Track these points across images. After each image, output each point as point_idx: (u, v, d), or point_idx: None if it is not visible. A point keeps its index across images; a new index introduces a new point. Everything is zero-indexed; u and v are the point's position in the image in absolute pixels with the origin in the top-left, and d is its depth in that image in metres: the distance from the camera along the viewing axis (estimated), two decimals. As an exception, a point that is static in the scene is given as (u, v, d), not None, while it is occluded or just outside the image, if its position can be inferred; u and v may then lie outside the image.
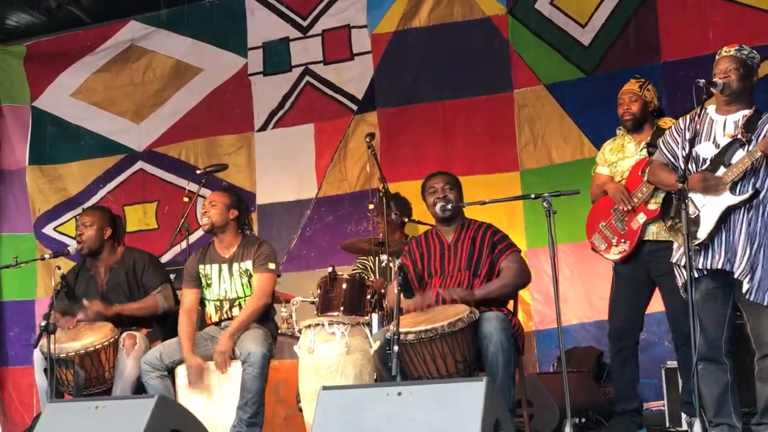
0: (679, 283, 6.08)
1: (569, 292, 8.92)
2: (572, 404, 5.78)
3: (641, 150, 7.02)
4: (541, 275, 9.14)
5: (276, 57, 10.74)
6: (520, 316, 7.42)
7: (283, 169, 10.59)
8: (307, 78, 10.59)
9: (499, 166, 9.69)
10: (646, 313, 7.14)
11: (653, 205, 6.86)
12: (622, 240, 7.00)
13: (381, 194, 7.77)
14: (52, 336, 6.56)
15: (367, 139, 7.92)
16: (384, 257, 7.77)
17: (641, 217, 6.91)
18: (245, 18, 10.88)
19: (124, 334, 7.25)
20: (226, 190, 7.68)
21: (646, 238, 6.93)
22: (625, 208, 6.94)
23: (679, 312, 6.81)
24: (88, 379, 7.06)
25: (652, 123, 7.11)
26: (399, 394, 4.57)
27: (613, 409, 7.26)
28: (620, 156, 7.16)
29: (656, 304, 7.15)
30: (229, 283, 7.31)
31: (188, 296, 7.36)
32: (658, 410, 7.92)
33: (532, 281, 9.02)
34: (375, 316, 7.37)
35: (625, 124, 7.13)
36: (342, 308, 7.03)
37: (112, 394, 7.09)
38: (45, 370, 6.87)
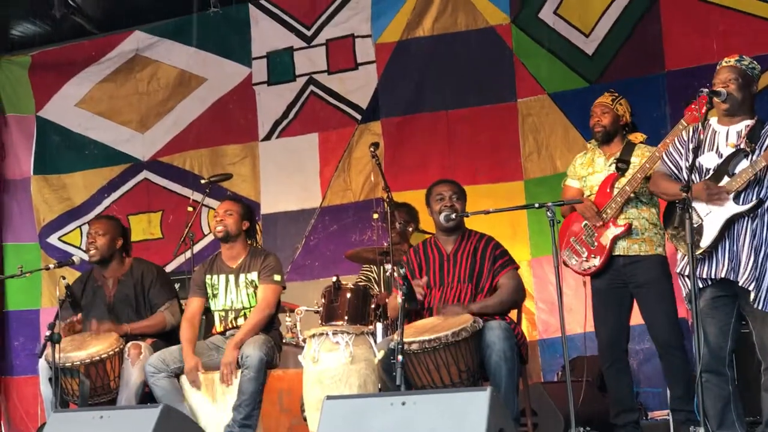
0: (683, 293, 6.09)
1: (573, 301, 8.90)
2: (576, 413, 5.78)
3: (610, 165, 7.09)
4: (546, 284, 9.17)
5: (280, 67, 10.75)
6: (525, 325, 7.45)
7: (287, 178, 10.59)
8: (312, 87, 10.59)
9: (503, 175, 9.70)
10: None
11: (622, 221, 6.91)
12: (592, 255, 7.03)
13: (385, 203, 7.77)
14: (57, 345, 6.57)
15: (372, 149, 7.93)
16: (388, 266, 7.79)
17: (610, 233, 6.95)
18: (249, 28, 10.88)
19: (130, 344, 7.27)
20: (239, 201, 7.71)
21: (616, 253, 6.96)
22: (597, 224, 6.99)
23: (658, 321, 6.89)
24: (94, 388, 7.08)
25: (623, 137, 7.17)
26: (403, 403, 4.58)
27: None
28: (590, 170, 7.22)
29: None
30: (235, 293, 7.34)
31: (193, 304, 7.40)
32: (663, 419, 7.91)
33: (536, 290, 9.11)
34: (379, 326, 7.39)
35: (596, 135, 7.20)
36: (346, 318, 7.04)
37: (117, 403, 7.12)
38: (50, 379, 6.87)
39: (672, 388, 7.01)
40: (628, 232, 6.92)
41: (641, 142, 7.09)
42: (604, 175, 7.11)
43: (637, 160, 6.93)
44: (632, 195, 6.89)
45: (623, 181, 6.96)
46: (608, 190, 7.02)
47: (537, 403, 7.42)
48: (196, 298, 7.42)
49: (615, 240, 6.95)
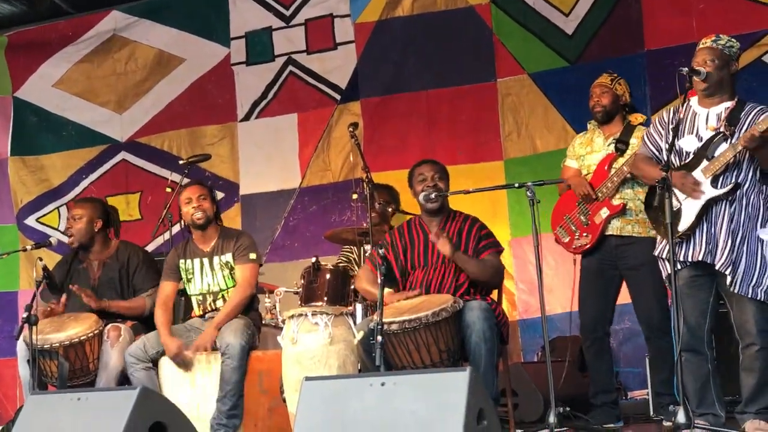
0: (663, 275, 6.10)
1: (553, 281, 8.91)
2: (556, 393, 5.79)
3: (609, 145, 7.11)
4: (526, 264, 9.17)
5: (259, 47, 10.70)
6: (505, 305, 7.45)
7: (266, 159, 10.55)
8: (290, 68, 10.55)
9: (483, 155, 9.68)
10: (629, 302, 7.17)
11: (617, 201, 6.96)
12: (584, 233, 7.08)
13: (365, 184, 7.75)
14: (35, 327, 6.54)
15: (351, 129, 7.91)
16: (368, 247, 7.77)
17: (604, 212, 6.99)
18: (228, 7, 10.82)
19: (109, 326, 7.25)
20: (202, 183, 7.67)
21: (609, 233, 7.01)
22: (589, 202, 7.00)
23: (648, 305, 6.93)
24: (72, 370, 7.05)
25: (623, 118, 7.21)
26: (382, 384, 4.56)
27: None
28: (588, 150, 7.26)
29: (637, 294, 7.18)
30: (211, 276, 7.31)
31: (166, 288, 7.36)
32: (642, 399, 7.94)
33: (516, 270, 9.10)
34: (359, 306, 7.36)
35: (596, 115, 7.23)
36: (326, 298, 7.03)
37: (96, 385, 7.09)
38: (28, 361, 6.84)
39: (658, 371, 7.05)
40: (622, 212, 6.94)
41: (641, 123, 7.10)
42: (603, 154, 7.13)
43: (636, 141, 6.94)
44: (629, 175, 6.90)
45: (621, 161, 6.97)
46: (606, 169, 7.03)
47: (517, 383, 7.44)
48: (169, 282, 7.38)
49: (608, 219, 6.97)
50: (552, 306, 8.56)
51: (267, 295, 8.25)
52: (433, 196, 6.68)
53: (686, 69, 5.82)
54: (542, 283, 5.96)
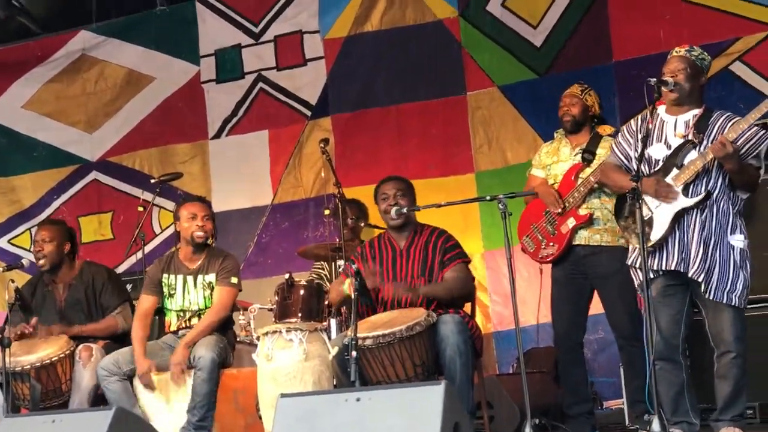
0: (636, 284, 6.12)
1: (527, 293, 8.92)
2: (532, 405, 5.78)
3: (575, 155, 7.13)
4: (499, 276, 9.18)
5: (228, 64, 10.71)
6: (479, 317, 7.44)
7: (238, 176, 10.55)
8: (261, 84, 10.56)
9: (454, 168, 9.70)
10: (602, 312, 7.19)
11: (584, 210, 6.98)
12: (551, 243, 7.09)
13: (337, 199, 7.76)
14: (7, 350, 6.51)
15: (322, 145, 7.93)
16: (341, 263, 7.76)
17: (571, 222, 7.00)
18: (197, 26, 10.83)
19: (81, 346, 7.20)
20: (207, 203, 7.63)
21: (576, 243, 7.02)
22: (556, 211, 7.02)
23: (619, 314, 6.97)
24: (45, 392, 7.01)
25: (591, 128, 7.22)
26: (357, 399, 4.56)
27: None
28: (555, 159, 7.27)
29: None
30: (193, 294, 7.27)
31: (145, 302, 7.31)
32: (617, 408, 7.95)
33: (490, 282, 9.11)
34: (333, 322, 7.37)
35: (564, 125, 7.26)
36: (300, 315, 6.99)
37: (69, 406, 7.05)
38: (0, 384, 6.80)
39: (631, 379, 7.07)
40: (590, 221, 6.96)
41: (609, 135, 7.12)
42: (569, 164, 7.14)
43: (603, 152, 6.95)
44: (596, 185, 6.92)
45: (588, 171, 7.00)
46: (573, 179, 7.05)
47: (492, 395, 7.43)
48: (149, 296, 7.32)
49: (575, 229, 6.98)
50: (526, 317, 8.57)
51: (241, 313, 8.25)
52: (393, 213, 6.68)
53: (654, 79, 5.84)
54: (515, 295, 5.95)
